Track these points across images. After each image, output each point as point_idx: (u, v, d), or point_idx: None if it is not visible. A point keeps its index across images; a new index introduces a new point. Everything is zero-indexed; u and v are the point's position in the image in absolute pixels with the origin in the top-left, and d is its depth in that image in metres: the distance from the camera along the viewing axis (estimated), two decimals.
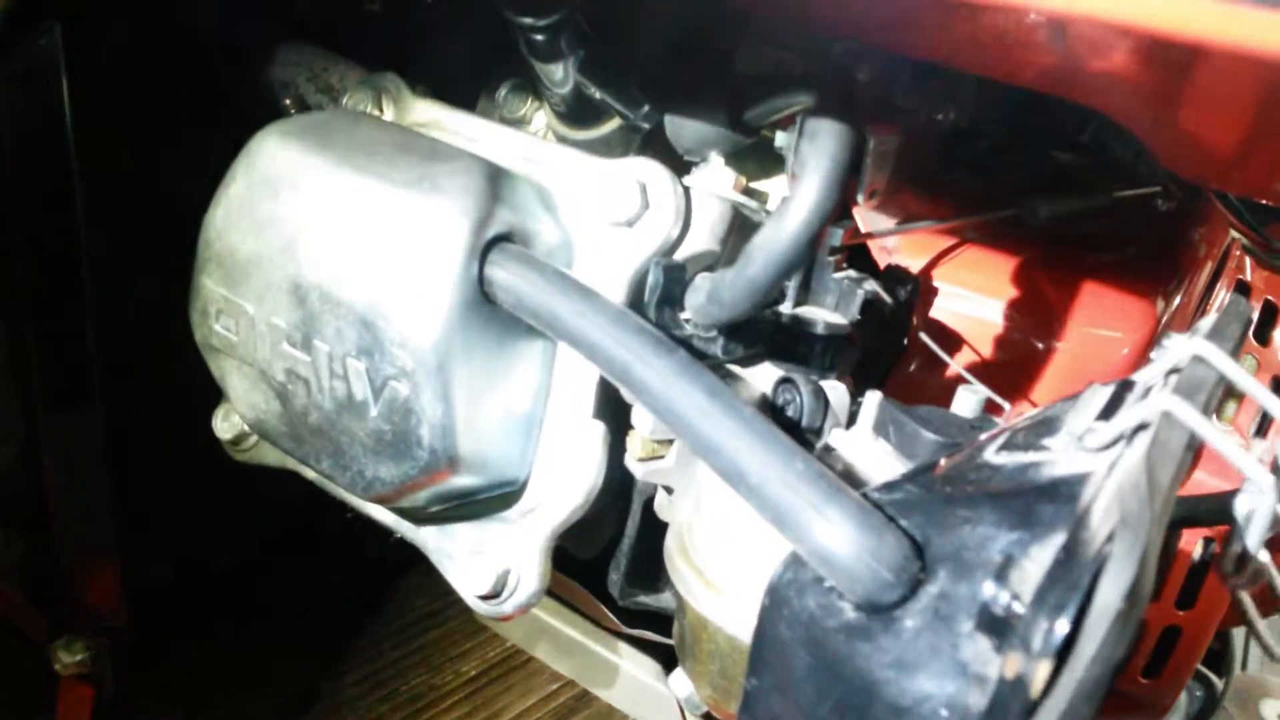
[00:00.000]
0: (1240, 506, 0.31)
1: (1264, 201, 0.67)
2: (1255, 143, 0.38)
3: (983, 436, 0.37)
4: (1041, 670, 0.25)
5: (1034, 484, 0.32)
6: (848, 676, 0.32)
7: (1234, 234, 0.72)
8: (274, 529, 0.79)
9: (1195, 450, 0.32)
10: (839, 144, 0.38)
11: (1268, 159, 0.41)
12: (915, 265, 0.55)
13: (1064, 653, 0.25)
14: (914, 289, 0.52)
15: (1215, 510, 0.35)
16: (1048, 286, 0.55)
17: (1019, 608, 0.27)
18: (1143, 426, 0.31)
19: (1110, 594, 0.24)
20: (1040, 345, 0.54)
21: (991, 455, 0.36)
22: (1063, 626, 0.25)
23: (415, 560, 0.52)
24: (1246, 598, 0.33)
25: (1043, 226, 0.58)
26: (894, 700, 0.30)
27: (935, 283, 0.54)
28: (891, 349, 0.54)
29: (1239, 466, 0.30)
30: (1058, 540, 0.28)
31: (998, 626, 0.27)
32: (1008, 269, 0.55)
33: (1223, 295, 0.71)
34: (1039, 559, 0.28)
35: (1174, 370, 0.35)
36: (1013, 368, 0.53)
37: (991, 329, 0.54)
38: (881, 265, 0.54)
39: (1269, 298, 0.70)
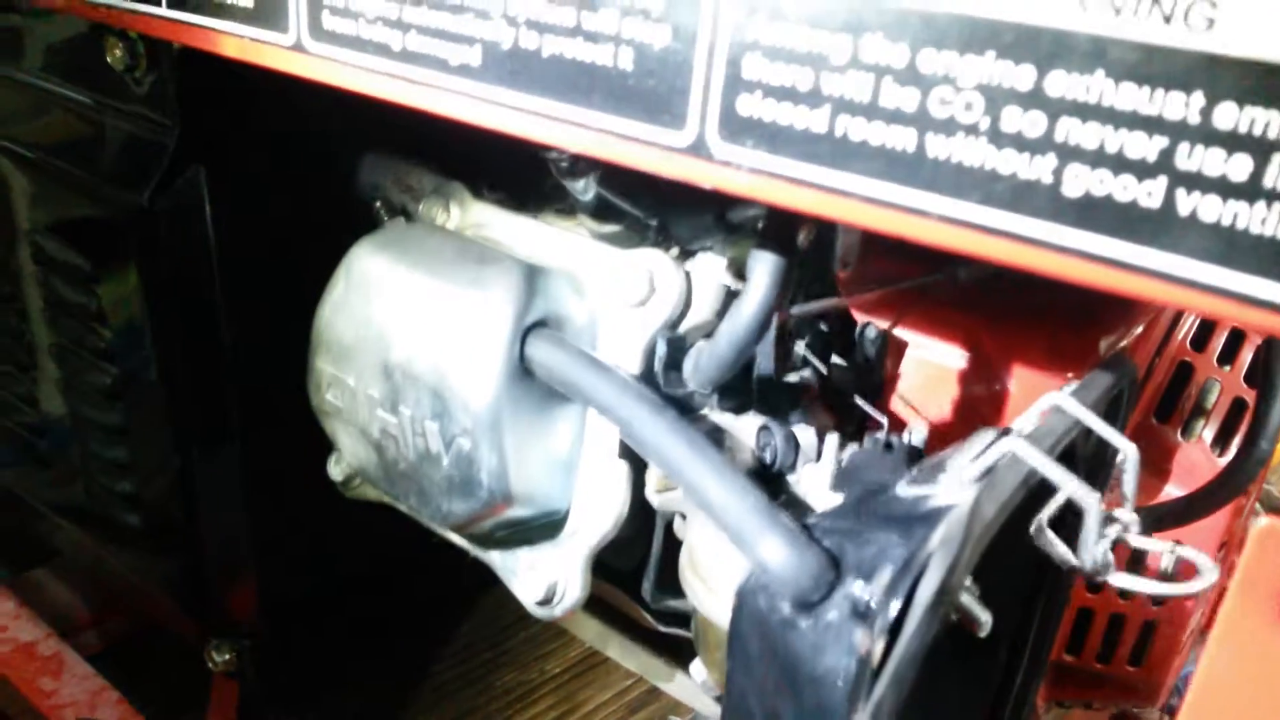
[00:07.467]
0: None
1: None
2: None
3: (900, 474, 0.48)
4: (880, 644, 0.36)
5: (919, 512, 0.43)
6: (783, 656, 0.43)
7: None
8: (384, 552, 0.94)
9: (1036, 483, 0.42)
10: (780, 250, 0.49)
11: None
12: (886, 322, 0.66)
13: (900, 630, 0.36)
14: (883, 342, 0.63)
15: None
16: (999, 334, 0.65)
17: (875, 602, 0.38)
18: (993, 466, 0.42)
19: (923, 592, 0.35)
20: (993, 387, 0.64)
21: (901, 489, 0.47)
22: (893, 612, 0.36)
23: (493, 581, 0.65)
24: None
25: (1003, 280, 0.68)
26: (810, 673, 0.41)
27: (904, 335, 0.65)
28: (870, 393, 0.65)
29: (1068, 490, 0.41)
30: (905, 553, 0.39)
31: (864, 615, 0.39)
32: (965, 320, 0.65)
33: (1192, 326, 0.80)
34: (894, 567, 0.39)
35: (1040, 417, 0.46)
36: (967, 407, 0.63)
37: (950, 374, 0.64)
38: (859, 323, 0.65)
39: (1235, 325, 0.78)
